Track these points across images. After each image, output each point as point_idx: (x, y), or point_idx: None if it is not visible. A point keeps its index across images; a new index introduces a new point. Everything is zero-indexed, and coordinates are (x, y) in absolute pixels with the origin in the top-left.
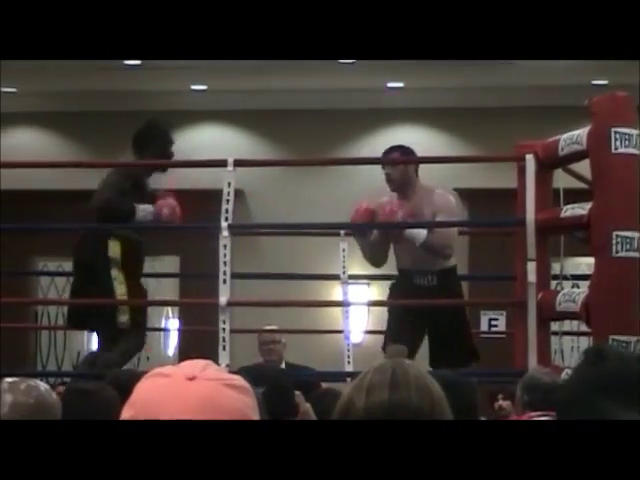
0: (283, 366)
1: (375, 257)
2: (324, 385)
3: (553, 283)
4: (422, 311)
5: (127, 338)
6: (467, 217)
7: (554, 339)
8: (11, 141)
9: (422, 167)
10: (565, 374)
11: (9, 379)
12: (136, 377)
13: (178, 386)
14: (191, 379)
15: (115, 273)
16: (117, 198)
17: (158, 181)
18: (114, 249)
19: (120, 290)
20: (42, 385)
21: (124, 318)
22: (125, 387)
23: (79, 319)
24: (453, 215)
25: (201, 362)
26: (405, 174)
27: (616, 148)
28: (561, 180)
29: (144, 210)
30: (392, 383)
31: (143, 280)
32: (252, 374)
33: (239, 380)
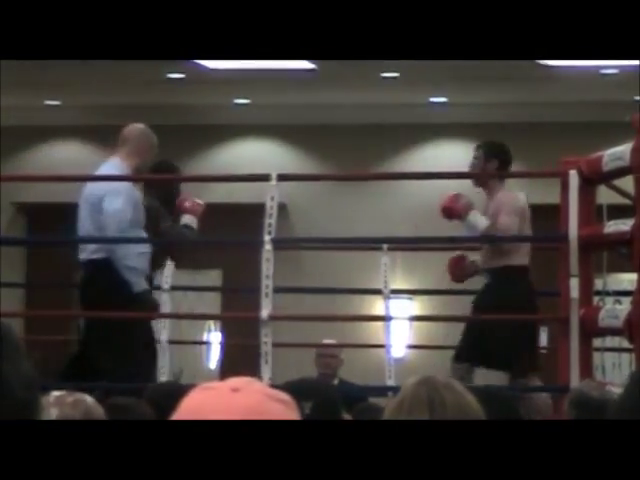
0: (336, 382)
1: None
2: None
3: (595, 299)
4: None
5: None
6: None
7: (596, 355)
8: (54, 154)
9: (466, 182)
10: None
11: (56, 392)
12: (174, 391)
13: (223, 397)
14: (236, 391)
15: None
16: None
17: (203, 195)
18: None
19: None
20: (89, 398)
21: None
22: (162, 400)
23: None
24: (513, 212)
25: (247, 378)
26: (483, 171)
27: None
28: (604, 196)
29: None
30: (430, 408)
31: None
32: (300, 388)
33: (283, 395)
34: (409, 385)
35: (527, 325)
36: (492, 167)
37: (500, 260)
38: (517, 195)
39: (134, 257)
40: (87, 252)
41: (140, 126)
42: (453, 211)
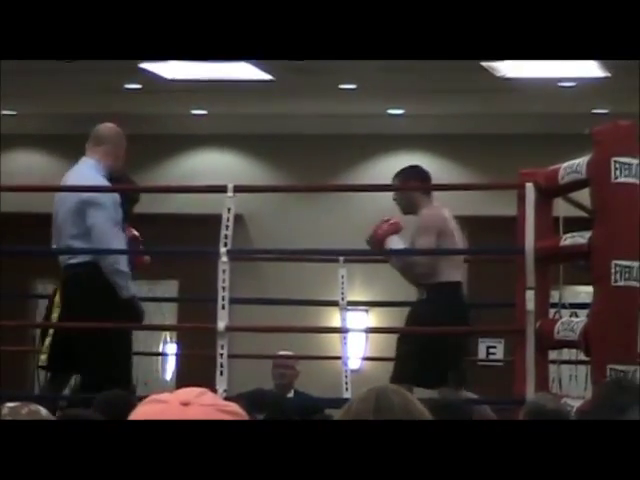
0: (292, 393)
1: None
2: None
3: (552, 311)
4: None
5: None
6: (467, 244)
7: (552, 367)
8: (11, 163)
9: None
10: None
11: (10, 403)
12: (123, 401)
13: (173, 411)
14: (186, 405)
15: (55, 316)
16: None
17: (160, 206)
18: (57, 292)
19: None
20: (43, 410)
21: (43, 357)
22: (112, 411)
23: None
24: (427, 232)
25: (197, 389)
26: (407, 198)
27: (616, 177)
28: (561, 209)
29: None
30: (376, 412)
31: None
32: (252, 400)
33: (234, 407)
34: (360, 391)
35: (452, 342)
36: (415, 192)
37: (431, 277)
38: (436, 213)
39: (122, 260)
40: (71, 255)
41: (116, 127)
42: (374, 239)
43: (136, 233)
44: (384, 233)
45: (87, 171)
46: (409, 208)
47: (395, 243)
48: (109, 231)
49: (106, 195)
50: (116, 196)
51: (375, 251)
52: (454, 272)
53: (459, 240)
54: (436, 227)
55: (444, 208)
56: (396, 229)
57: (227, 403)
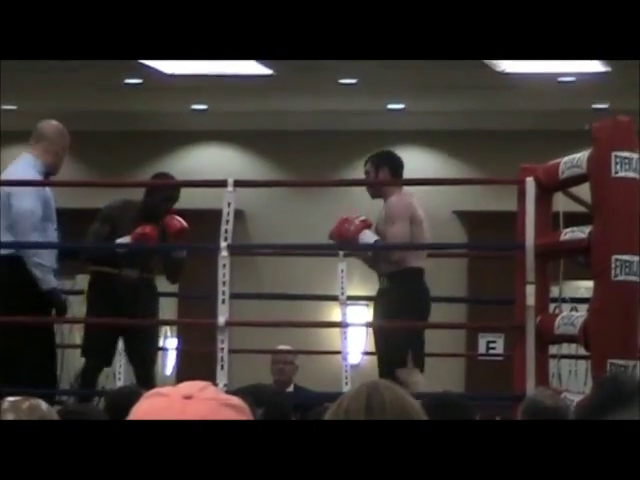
0: (291, 388)
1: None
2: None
3: (552, 306)
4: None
5: None
6: (467, 240)
7: (552, 362)
8: (10, 159)
9: (423, 189)
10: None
11: (11, 398)
12: (132, 396)
13: (175, 405)
14: (188, 398)
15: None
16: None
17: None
18: (83, 283)
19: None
20: (44, 404)
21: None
22: (121, 405)
23: None
24: (401, 219)
25: (200, 383)
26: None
27: (616, 172)
28: (561, 203)
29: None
30: (368, 408)
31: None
32: (251, 395)
33: (237, 400)
34: (352, 387)
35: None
36: (385, 176)
37: (395, 265)
38: (405, 200)
39: (44, 254)
40: None
41: (58, 123)
42: (343, 238)
43: (146, 232)
44: (356, 230)
45: (21, 167)
46: (378, 192)
47: (369, 237)
48: (29, 225)
49: (32, 189)
50: (46, 191)
51: (376, 245)
52: (418, 259)
53: (427, 227)
54: (408, 213)
55: (412, 195)
56: (367, 224)
57: (229, 397)
